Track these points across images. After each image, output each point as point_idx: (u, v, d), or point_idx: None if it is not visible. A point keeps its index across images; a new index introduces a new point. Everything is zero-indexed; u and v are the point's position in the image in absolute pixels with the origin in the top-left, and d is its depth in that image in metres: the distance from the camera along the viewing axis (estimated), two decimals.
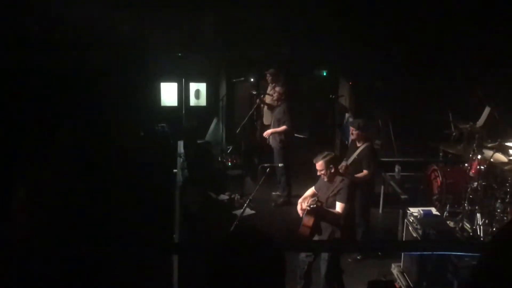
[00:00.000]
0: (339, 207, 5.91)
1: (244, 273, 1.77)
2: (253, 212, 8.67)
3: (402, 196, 8.02)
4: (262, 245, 1.87)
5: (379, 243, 5.89)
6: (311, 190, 6.38)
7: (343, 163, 7.41)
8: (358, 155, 7.46)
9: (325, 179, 6.08)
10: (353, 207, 6.32)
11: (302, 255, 6.11)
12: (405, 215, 6.99)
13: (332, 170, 6.02)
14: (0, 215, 5.61)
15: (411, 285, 6.45)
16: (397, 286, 6.59)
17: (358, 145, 7.54)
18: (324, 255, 5.94)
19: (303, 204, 6.09)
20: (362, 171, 7.35)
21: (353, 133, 7.57)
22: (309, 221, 5.90)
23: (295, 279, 6.17)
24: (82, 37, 9.39)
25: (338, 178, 6.07)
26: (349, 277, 6.48)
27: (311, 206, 5.84)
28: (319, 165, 6.03)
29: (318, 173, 6.12)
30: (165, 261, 5.54)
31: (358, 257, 7.38)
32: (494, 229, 7.22)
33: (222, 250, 1.84)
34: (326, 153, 6.15)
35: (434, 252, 5.66)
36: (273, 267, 1.85)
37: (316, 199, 5.87)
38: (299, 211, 6.17)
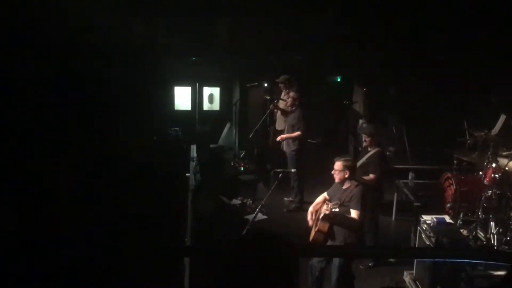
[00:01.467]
0: (354, 214, 5.90)
1: (257, 275, 1.76)
2: (265, 217, 8.65)
3: (415, 204, 7.97)
4: (279, 249, 1.87)
5: (392, 249, 5.82)
6: (322, 197, 6.39)
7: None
8: (367, 159, 7.51)
9: (336, 180, 6.15)
10: (366, 213, 6.30)
11: (314, 260, 6.09)
12: (418, 222, 6.94)
13: (346, 175, 6.09)
14: (13, 218, 5.63)
15: None
16: None
17: (369, 149, 7.59)
18: (335, 261, 5.92)
19: (322, 208, 6.09)
20: (368, 175, 7.36)
21: (366, 140, 7.64)
22: (324, 226, 5.90)
23: (306, 285, 6.14)
24: (97, 42, 9.45)
25: (352, 185, 6.07)
26: (361, 284, 6.44)
27: (333, 209, 5.80)
28: (337, 165, 6.14)
29: (333, 172, 6.20)
30: (177, 265, 5.54)
31: (370, 264, 7.35)
32: (508, 238, 7.15)
33: (239, 251, 1.83)
34: (348, 158, 6.37)
35: (447, 260, 5.61)
36: (287, 272, 1.84)
37: (339, 203, 5.84)
38: (310, 220, 6.20)
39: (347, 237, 5.92)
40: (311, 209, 6.31)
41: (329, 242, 5.96)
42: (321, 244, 5.87)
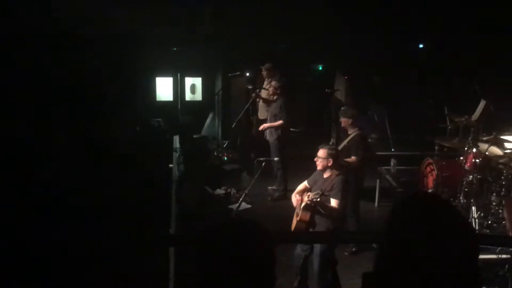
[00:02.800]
0: (334, 203, 5.96)
1: (234, 261, 1.77)
2: (249, 206, 8.67)
3: (398, 190, 8.07)
4: (254, 234, 1.88)
5: (374, 234, 5.87)
6: (303, 185, 6.45)
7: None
8: (348, 142, 7.55)
9: (319, 167, 6.20)
10: (346, 202, 6.33)
11: (298, 249, 6.14)
12: None
13: (329, 164, 6.13)
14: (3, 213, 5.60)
15: None
16: None
17: (349, 132, 7.64)
18: (316, 250, 5.97)
19: (304, 197, 6.13)
20: (350, 157, 7.42)
21: (344, 122, 7.68)
22: (306, 215, 5.94)
23: (291, 273, 6.19)
24: (77, 32, 9.35)
25: (333, 174, 6.12)
26: (344, 270, 6.47)
27: (314, 199, 5.84)
28: (322, 152, 6.18)
29: (316, 159, 6.24)
30: (162, 254, 5.55)
31: (353, 249, 7.41)
32: (489, 222, 7.25)
33: (214, 238, 1.85)
34: (333, 147, 6.41)
35: None
36: (264, 257, 1.85)
37: (320, 193, 5.87)
38: (295, 203, 6.26)
39: (328, 226, 5.97)
40: (295, 195, 6.38)
41: (311, 231, 6.01)
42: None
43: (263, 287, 1.84)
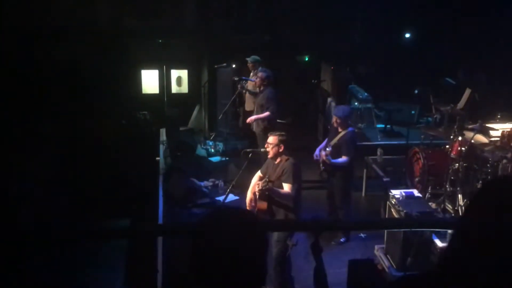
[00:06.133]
0: (286, 187, 5.97)
1: (227, 251, 1.75)
2: (237, 198, 8.65)
3: (384, 179, 8.10)
4: (245, 222, 1.86)
5: (361, 222, 5.89)
6: (257, 175, 6.45)
7: (328, 150, 7.44)
8: (338, 140, 7.43)
9: (270, 155, 6.20)
10: (300, 187, 6.30)
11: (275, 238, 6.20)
12: (387, 197, 7.03)
13: (280, 150, 6.13)
14: None
15: (394, 267, 6.51)
16: (380, 267, 6.64)
17: (340, 130, 7.48)
18: (274, 237, 5.96)
19: (255, 188, 6.15)
20: (341, 156, 7.34)
21: (337, 121, 7.46)
22: (263, 205, 5.98)
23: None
24: (61, 26, 9.26)
25: (283, 159, 6.14)
26: (332, 259, 6.50)
27: (263, 187, 5.86)
28: (272, 139, 6.17)
29: (266, 146, 6.26)
30: (149, 244, 5.55)
31: (342, 240, 7.43)
32: None
33: (206, 227, 1.82)
34: (283, 133, 6.31)
35: (416, 229, 5.72)
36: (256, 245, 1.84)
37: (267, 180, 5.88)
38: (248, 201, 6.25)
39: (287, 214, 6.00)
40: (249, 190, 6.34)
41: None
42: None
43: (255, 276, 1.82)
